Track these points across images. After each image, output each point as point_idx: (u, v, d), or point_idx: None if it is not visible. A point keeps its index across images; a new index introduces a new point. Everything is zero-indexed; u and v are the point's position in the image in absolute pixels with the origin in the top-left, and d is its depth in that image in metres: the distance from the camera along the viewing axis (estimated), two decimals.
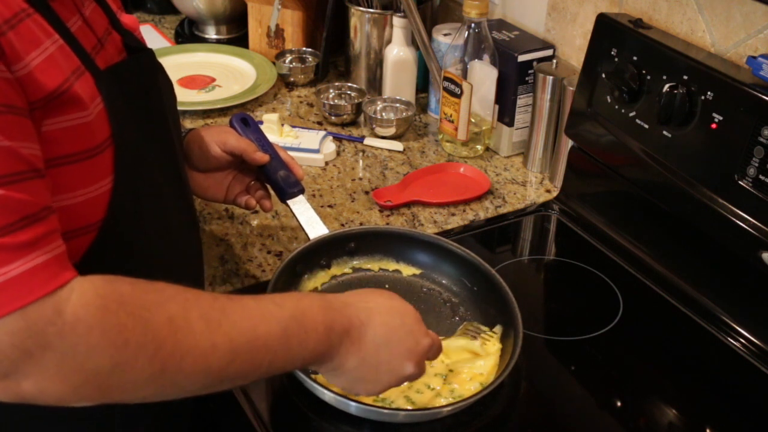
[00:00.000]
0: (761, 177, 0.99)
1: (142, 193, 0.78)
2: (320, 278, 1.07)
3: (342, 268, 1.09)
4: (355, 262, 1.09)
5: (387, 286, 1.07)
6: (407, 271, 1.10)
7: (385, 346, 0.80)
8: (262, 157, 1.06)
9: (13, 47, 0.63)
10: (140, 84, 0.83)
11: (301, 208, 1.06)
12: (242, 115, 1.11)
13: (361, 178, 1.38)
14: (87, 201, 0.71)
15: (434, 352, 0.86)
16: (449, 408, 0.88)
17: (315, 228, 1.05)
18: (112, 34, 0.82)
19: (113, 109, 0.73)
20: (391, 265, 1.10)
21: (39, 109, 0.66)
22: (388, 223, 1.26)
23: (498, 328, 1.01)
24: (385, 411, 0.88)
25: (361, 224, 1.25)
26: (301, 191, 1.08)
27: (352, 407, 0.87)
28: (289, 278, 1.02)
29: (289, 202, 1.07)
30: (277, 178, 1.07)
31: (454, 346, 0.98)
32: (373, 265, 1.10)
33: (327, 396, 0.87)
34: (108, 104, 0.72)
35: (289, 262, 1.01)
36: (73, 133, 0.69)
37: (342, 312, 0.78)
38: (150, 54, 0.87)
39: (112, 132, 0.72)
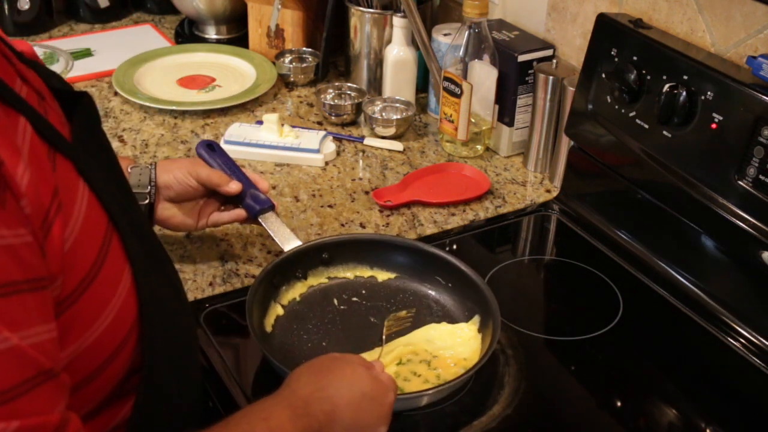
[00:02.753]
0: (761, 177, 0.99)
1: (144, 257, 0.69)
2: (298, 289, 1.08)
3: (318, 278, 1.09)
4: (331, 272, 1.10)
5: (364, 291, 1.08)
6: (382, 276, 1.10)
7: (355, 426, 0.78)
8: (235, 188, 1.09)
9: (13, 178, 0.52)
10: (95, 135, 0.73)
11: (272, 223, 1.09)
12: (207, 142, 1.15)
13: (361, 178, 1.38)
14: (122, 306, 0.63)
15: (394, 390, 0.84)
16: (433, 390, 0.90)
17: (288, 241, 1.07)
18: (30, 72, 0.67)
19: (97, 186, 0.62)
20: (366, 272, 1.11)
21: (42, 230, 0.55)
22: (388, 224, 1.26)
23: (476, 319, 1.02)
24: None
25: (360, 225, 1.25)
26: (271, 208, 1.11)
27: None
28: (268, 290, 1.03)
29: (260, 218, 1.10)
30: (246, 198, 1.10)
31: (426, 337, 1.01)
32: (348, 273, 1.11)
33: None
34: (92, 183, 0.62)
35: (265, 275, 1.02)
36: (81, 242, 0.59)
37: (307, 414, 0.75)
38: (78, 94, 0.72)
39: (110, 215, 0.63)
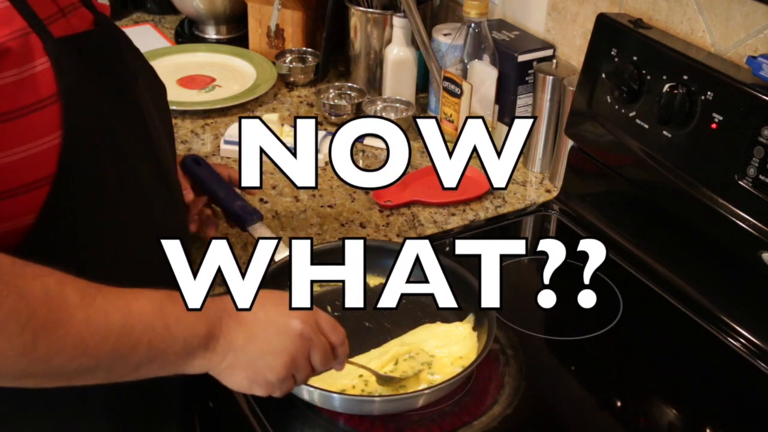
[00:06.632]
0: (761, 177, 0.99)
1: (101, 151, 0.79)
2: None
3: None
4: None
5: None
6: (373, 281, 1.10)
7: (261, 308, 0.80)
8: (187, 196, 1.08)
9: None
10: (104, 54, 0.84)
11: (261, 234, 1.11)
12: (193, 157, 1.16)
13: None
14: (30, 156, 0.73)
15: (326, 322, 0.84)
16: (429, 390, 0.90)
17: (278, 252, 1.07)
18: (80, 9, 0.84)
19: (62, 70, 0.74)
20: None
21: None
22: (387, 224, 1.26)
23: (470, 317, 1.01)
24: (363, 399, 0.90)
25: (360, 225, 1.25)
26: (260, 218, 1.13)
27: (336, 399, 0.88)
28: None
29: (249, 229, 1.12)
30: (235, 209, 1.13)
31: (421, 336, 1.01)
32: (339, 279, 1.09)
33: (315, 394, 0.88)
34: (56, 64, 0.74)
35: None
36: (10, 90, 0.70)
37: (205, 306, 0.78)
38: (117, 34, 0.89)
39: (59, 89, 0.74)
